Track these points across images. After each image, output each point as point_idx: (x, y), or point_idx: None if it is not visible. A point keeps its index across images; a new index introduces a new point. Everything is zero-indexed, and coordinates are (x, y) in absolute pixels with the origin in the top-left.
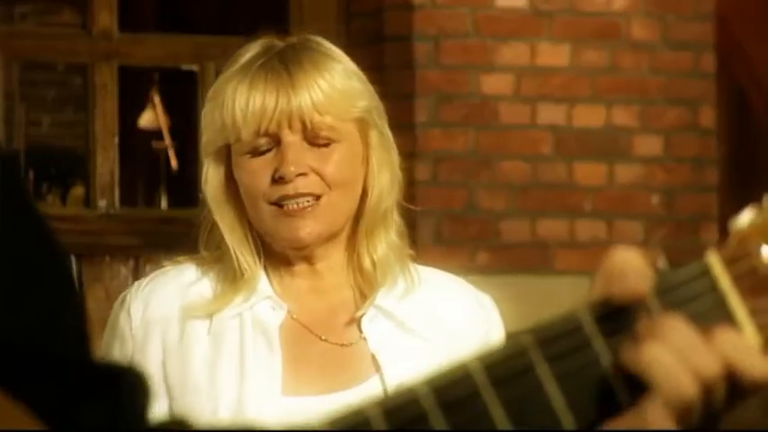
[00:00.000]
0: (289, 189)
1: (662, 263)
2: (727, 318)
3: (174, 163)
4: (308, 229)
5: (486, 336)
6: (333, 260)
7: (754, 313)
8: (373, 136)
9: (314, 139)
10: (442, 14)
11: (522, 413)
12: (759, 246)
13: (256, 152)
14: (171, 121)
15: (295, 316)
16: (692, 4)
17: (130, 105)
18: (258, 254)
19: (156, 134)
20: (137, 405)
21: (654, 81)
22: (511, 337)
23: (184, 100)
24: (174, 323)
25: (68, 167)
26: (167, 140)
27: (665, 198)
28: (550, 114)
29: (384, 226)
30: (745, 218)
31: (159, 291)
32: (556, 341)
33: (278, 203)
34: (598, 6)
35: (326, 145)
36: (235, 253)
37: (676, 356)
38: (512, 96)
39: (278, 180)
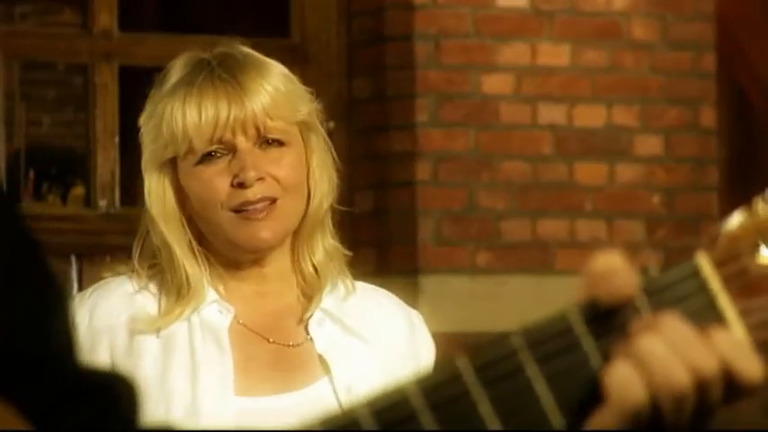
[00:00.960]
0: (249, 194)
1: (653, 264)
2: (716, 319)
3: None
4: (268, 231)
5: (416, 348)
6: (279, 263)
7: (743, 314)
8: (314, 139)
9: (266, 144)
10: (442, 14)
11: (512, 412)
12: (749, 247)
13: (210, 161)
14: None
15: (241, 320)
16: (692, 3)
17: (131, 105)
18: (202, 263)
19: None
20: (126, 410)
21: (654, 81)
22: (501, 337)
23: None
24: (122, 330)
25: (69, 167)
26: None
27: (665, 198)
28: (551, 114)
29: (322, 229)
30: (736, 219)
31: (103, 300)
32: (545, 342)
33: (238, 210)
34: (598, 6)
35: (278, 149)
36: (183, 265)
37: (672, 350)
38: (512, 96)
39: (237, 186)
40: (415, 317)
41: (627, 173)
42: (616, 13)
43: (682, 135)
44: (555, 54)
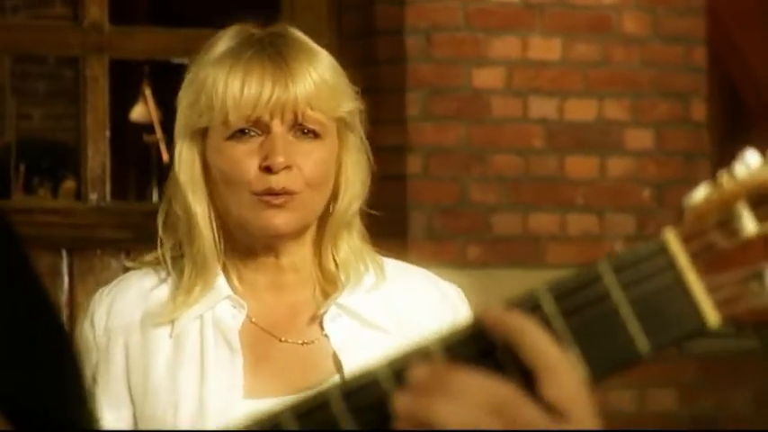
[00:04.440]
0: (272, 182)
1: (618, 247)
2: (684, 295)
3: (165, 156)
4: (281, 220)
5: (450, 320)
6: (297, 257)
7: (711, 290)
8: (351, 138)
9: (300, 133)
10: (433, 8)
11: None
12: (715, 221)
13: (240, 138)
14: (162, 115)
15: (254, 318)
16: None
17: (122, 98)
18: (219, 245)
19: (148, 127)
20: None
21: (645, 74)
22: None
23: (176, 93)
24: (136, 330)
25: (59, 160)
26: (159, 134)
27: (656, 191)
28: (542, 108)
29: (348, 229)
30: (700, 194)
31: (120, 298)
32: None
33: (259, 194)
34: (589, 0)
35: (311, 141)
36: (202, 234)
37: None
38: (503, 90)
39: (264, 169)
40: (452, 290)
41: (618, 166)
42: (607, 7)
43: (673, 129)
44: (546, 48)
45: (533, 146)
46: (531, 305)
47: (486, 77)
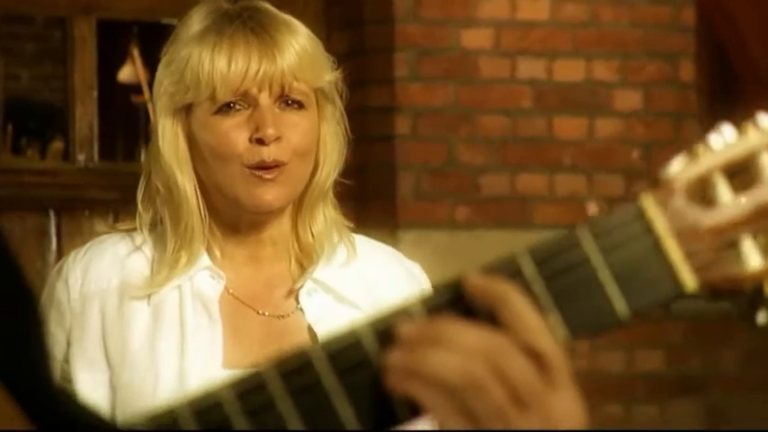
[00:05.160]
0: (264, 153)
1: (594, 210)
2: (662, 260)
3: (153, 117)
4: (274, 195)
5: None
6: (277, 231)
7: (688, 256)
8: (329, 109)
9: (285, 104)
10: None
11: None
12: (691, 191)
13: (228, 113)
14: (150, 75)
15: (232, 290)
16: None
17: (109, 59)
18: (206, 222)
19: (136, 88)
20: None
21: (634, 35)
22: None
23: None
24: (113, 296)
25: (47, 121)
26: (146, 94)
27: (644, 152)
28: (530, 68)
29: (324, 200)
30: (677, 163)
31: (96, 262)
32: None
33: (251, 167)
34: None
35: (296, 112)
36: (191, 207)
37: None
38: (492, 51)
39: (256, 142)
40: (417, 269)
41: (606, 127)
42: None
43: (661, 89)
44: (534, 8)
45: (521, 106)
46: (511, 270)
47: (475, 38)
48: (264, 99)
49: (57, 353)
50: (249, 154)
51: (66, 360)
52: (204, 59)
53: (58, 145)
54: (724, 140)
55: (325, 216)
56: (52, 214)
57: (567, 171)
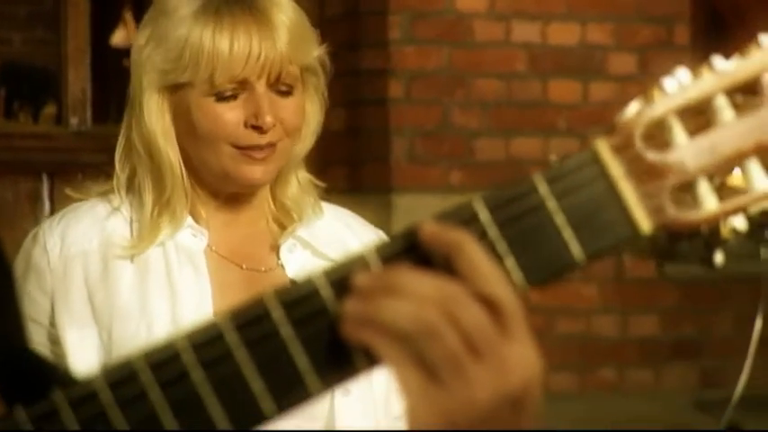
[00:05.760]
0: (260, 139)
1: (553, 157)
2: (617, 202)
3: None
4: (264, 173)
5: None
6: (258, 196)
7: (643, 198)
8: (313, 82)
9: (279, 87)
10: None
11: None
12: (645, 134)
13: (221, 96)
14: None
15: (214, 247)
16: None
17: (102, 23)
18: (188, 190)
19: (128, 52)
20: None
21: None
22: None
23: None
24: (95, 255)
25: (40, 85)
26: None
27: None
28: (525, 32)
29: (300, 163)
30: (632, 108)
31: (74, 225)
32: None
33: (241, 147)
34: None
35: (287, 93)
36: (176, 178)
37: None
38: (486, 14)
39: (251, 128)
40: (380, 233)
41: (601, 91)
42: None
43: (656, 53)
44: None
45: (516, 70)
46: (466, 217)
47: (469, 1)
48: (261, 86)
49: (41, 318)
50: (243, 137)
51: (52, 323)
52: (205, 41)
53: (50, 109)
54: (679, 84)
55: (298, 179)
56: (45, 178)
57: (562, 135)
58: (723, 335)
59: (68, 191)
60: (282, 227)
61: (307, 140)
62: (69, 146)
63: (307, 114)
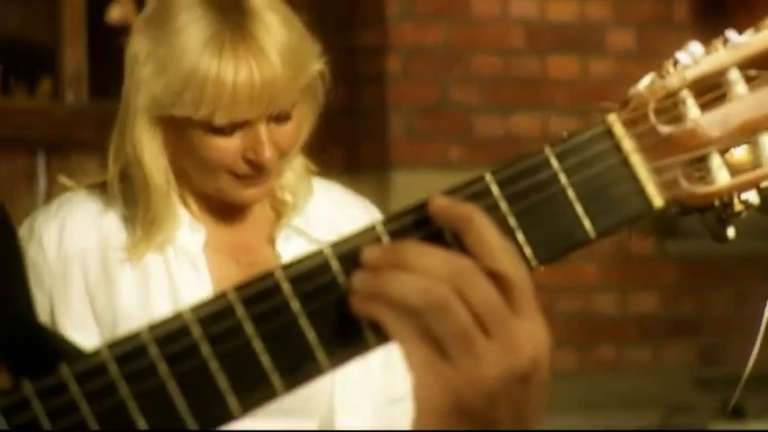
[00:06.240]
0: (259, 171)
1: (564, 133)
2: (630, 177)
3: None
4: (260, 191)
5: None
6: None
7: (655, 173)
8: (310, 94)
9: (278, 118)
10: None
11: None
12: (659, 108)
13: (219, 131)
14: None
15: (211, 243)
16: None
17: None
18: (176, 190)
19: (125, 28)
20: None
21: None
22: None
23: None
24: (93, 255)
25: (36, 61)
26: None
27: None
28: (523, 7)
29: (296, 154)
30: (645, 82)
31: (70, 221)
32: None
33: (240, 177)
34: None
35: (285, 119)
36: (158, 204)
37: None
38: None
39: (251, 164)
40: (372, 208)
41: (600, 67)
42: None
43: (655, 29)
44: None
45: (514, 46)
46: (477, 191)
47: None
48: (261, 122)
49: (40, 315)
50: (241, 168)
51: (52, 322)
52: (209, 83)
53: (47, 85)
54: (692, 57)
55: (293, 168)
56: (42, 155)
57: (560, 111)
58: (723, 313)
59: (62, 179)
60: (278, 214)
61: (301, 142)
62: (66, 122)
63: (303, 119)
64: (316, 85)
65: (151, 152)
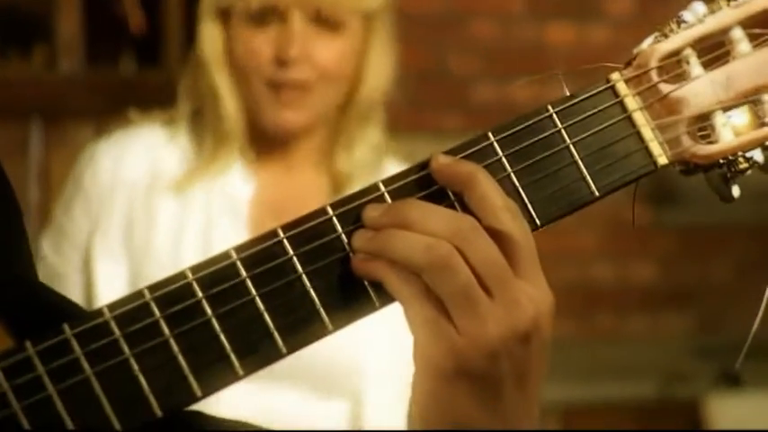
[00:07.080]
0: (284, 75)
1: (566, 90)
2: (634, 135)
3: (139, 24)
4: (294, 116)
5: None
6: (311, 144)
7: (659, 130)
8: (377, 30)
9: (320, 25)
10: None
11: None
12: (663, 67)
13: (260, 25)
14: None
15: (261, 196)
16: None
17: None
18: (242, 121)
19: None
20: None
21: None
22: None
23: None
24: (141, 187)
25: (31, 29)
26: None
27: None
28: None
29: (366, 121)
30: (649, 40)
31: (129, 151)
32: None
33: (271, 84)
34: None
35: (330, 33)
36: (224, 111)
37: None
38: None
39: (277, 61)
40: None
41: (599, 34)
42: None
43: None
44: None
45: (512, 12)
46: (479, 149)
47: None
48: (294, 16)
49: (78, 240)
50: (269, 71)
51: (88, 248)
52: None
53: (42, 53)
54: (695, 16)
55: (367, 143)
56: (36, 122)
57: (559, 79)
58: (722, 281)
59: (132, 114)
60: (336, 185)
61: (367, 91)
62: (61, 90)
63: (369, 63)
64: (381, 22)
65: (213, 55)
